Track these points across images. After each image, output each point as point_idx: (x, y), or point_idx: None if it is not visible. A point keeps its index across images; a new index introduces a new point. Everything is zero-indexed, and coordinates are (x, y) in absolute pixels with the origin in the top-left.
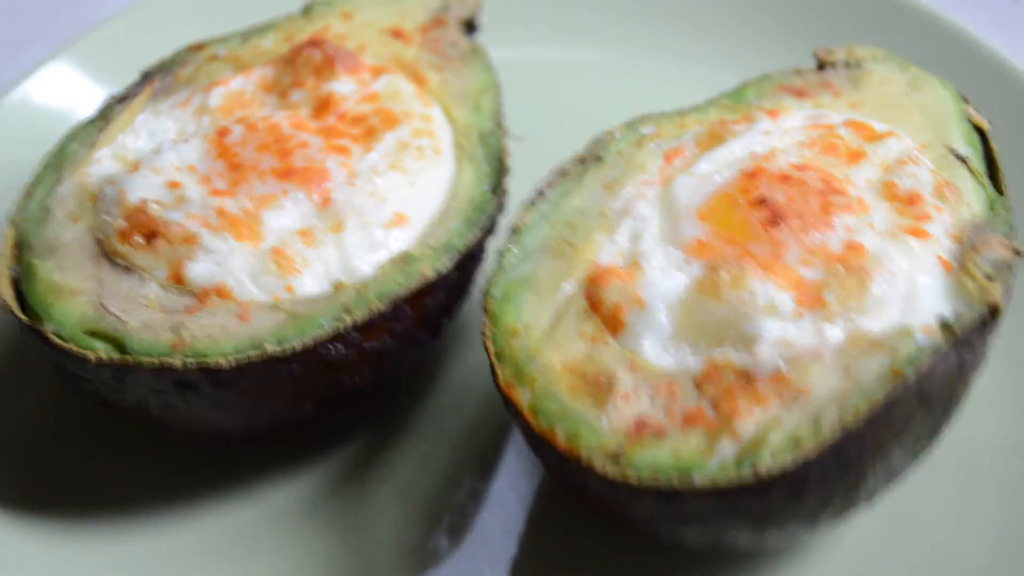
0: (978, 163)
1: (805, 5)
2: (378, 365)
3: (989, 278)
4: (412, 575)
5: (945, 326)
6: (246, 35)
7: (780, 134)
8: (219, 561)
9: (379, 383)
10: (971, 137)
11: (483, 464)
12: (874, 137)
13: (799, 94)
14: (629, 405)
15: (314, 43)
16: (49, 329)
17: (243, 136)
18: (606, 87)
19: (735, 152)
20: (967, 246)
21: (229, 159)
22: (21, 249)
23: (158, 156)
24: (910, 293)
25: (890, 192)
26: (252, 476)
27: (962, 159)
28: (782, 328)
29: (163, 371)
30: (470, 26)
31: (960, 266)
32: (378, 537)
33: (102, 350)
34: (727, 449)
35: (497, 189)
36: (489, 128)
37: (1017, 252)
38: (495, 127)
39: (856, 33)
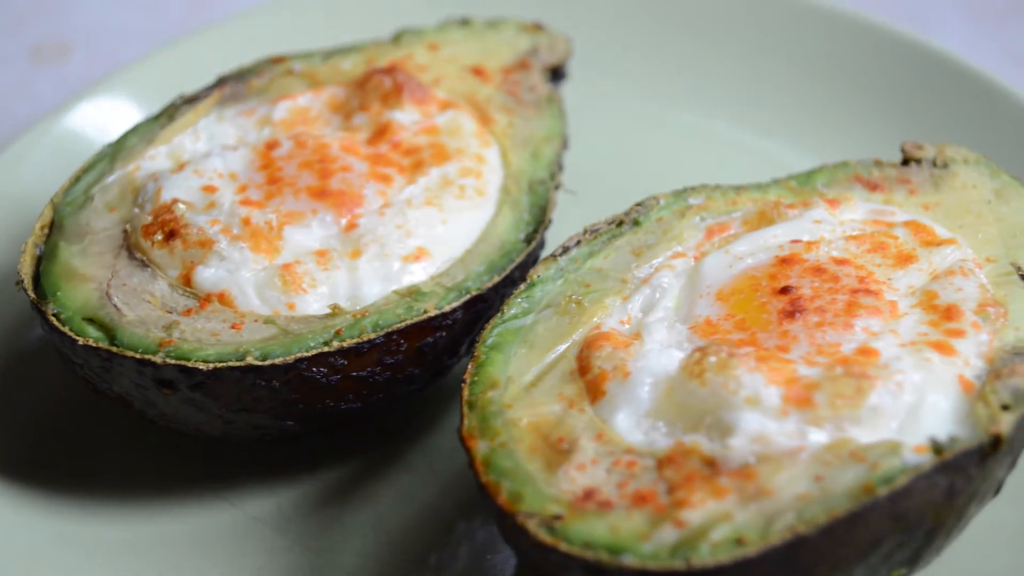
0: None
1: (904, 96)
2: (366, 394)
3: (1005, 407)
4: None
5: (935, 447)
6: (328, 54)
7: (833, 225)
8: (177, 556)
9: (370, 412)
10: None
11: (466, 509)
12: (932, 242)
13: (872, 187)
14: (583, 474)
15: (386, 70)
16: (50, 310)
17: (290, 151)
18: (680, 149)
19: (778, 236)
20: (994, 370)
21: (270, 171)
22: (53, 229)
23: (205, 159)
24: (915, 409)
25: (929, 302)
26: (230, 480)
27: None
28: (761, 423)
29: (144, 365)
30: (556, 73)
31: (979, 389)
32: (343, 564)
33: (93, 337)
34: (667, 535)
35: (532, 239)
36: (541, 177)
37: None
38: (548, 177)
39: (954, 131)
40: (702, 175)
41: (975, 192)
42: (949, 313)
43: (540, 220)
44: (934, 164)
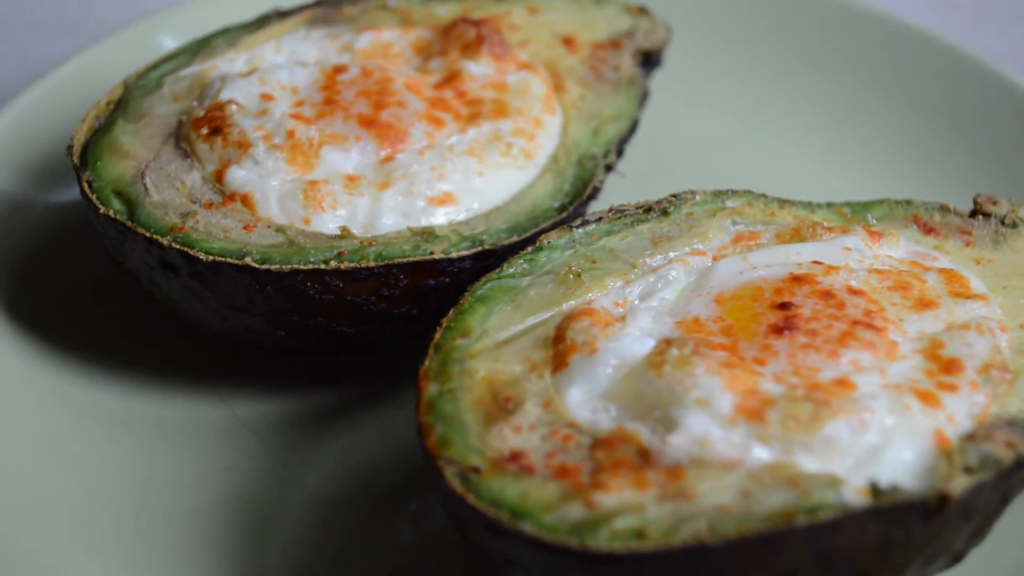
0: None
1: (1005, 142)
2: (359, 321)
3: (968, 469)
4: (316, 530)
5: (874, 491)
6: None
7: (864, 256)
8: (157, 436)
9: (364, 341)
10: None
11: None
12: (961, 294)
13: (928, 230)
14: (516, 436)
15: (473, 21)
16: (86, 177)
17: (354, 78)
18: (757, 161)
19: (801, 254)
20: (971, 432)
21: (330, 93)
22: (118, 106)
23: (274, 70)
24: (876, 451)
25: (933, 350)
26: (227, 379)
27: None
28: (706, 427)
29: (152, 245)
30: (650, 59)
31: (950, 448)
32: (307, 481)
33: (115, 209)
34: (573, 512)
35: (565, 210)
36: (594, 153)
37: (1020, 461)
38: (601, 154)
39: None
40: (763, 187)
41: None
42: (949, 366)
43: (579, 193)
44: (1003, 221)
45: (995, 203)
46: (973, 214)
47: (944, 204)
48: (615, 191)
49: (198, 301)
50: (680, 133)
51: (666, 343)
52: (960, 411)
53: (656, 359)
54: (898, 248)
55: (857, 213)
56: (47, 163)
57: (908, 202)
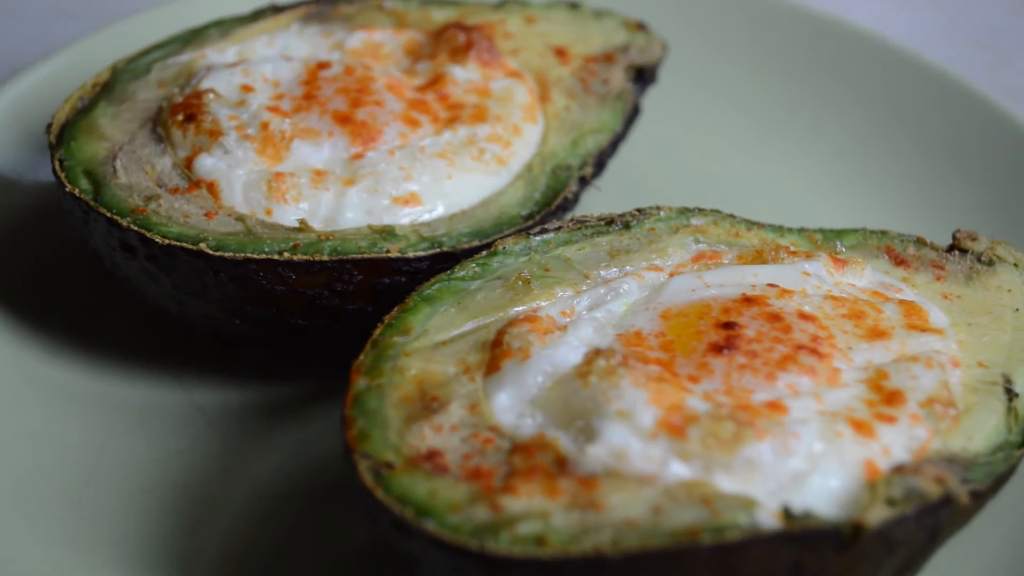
0: None
1: (1006, 182)
2: (311, 314)
3: (890, 502)
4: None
5: (787, 515)
6: (426, 1)
7: (824, 282)
8: (113, 414)
9: (319, 335)
10: None
11: None
12: (916, 327)
13: (899, 262)
14: (436, 435)
15: (464, 26)
16: (58, 155)
17: (336, 75)
18: (742, 184)
19: (758, 276)
20: (900, 464)
21: (310, 88)
22: (103, 89)
23: (259, 63)
24: (801, 476)
25: (877, 381)
26: (189, 365)
27: (1011, 394)
28: (625, 439)
29: (112, 225)
30: (643, 75)
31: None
32: (253, 471)
33: (80, 188)
34: (479, 514)
35: (532, 218)
36: (569, 164)
37: (947, 497)
38: (577, 166)
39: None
40: (751, 211)
41: (1006, 296)
42: (891, 397)
43: (549, 203)
44: (979, 258)
45: (974, 239)
46: (951, 249)
47: (921, 237)
48: (593, 205)
49: (155, 284)
50: (670, 151)
51: (595, 353)
52: (897, 443)
53: (583, 368)
54: (862, 277)
55: (828, 240)
56: (38, 142)
57: (884, 233)
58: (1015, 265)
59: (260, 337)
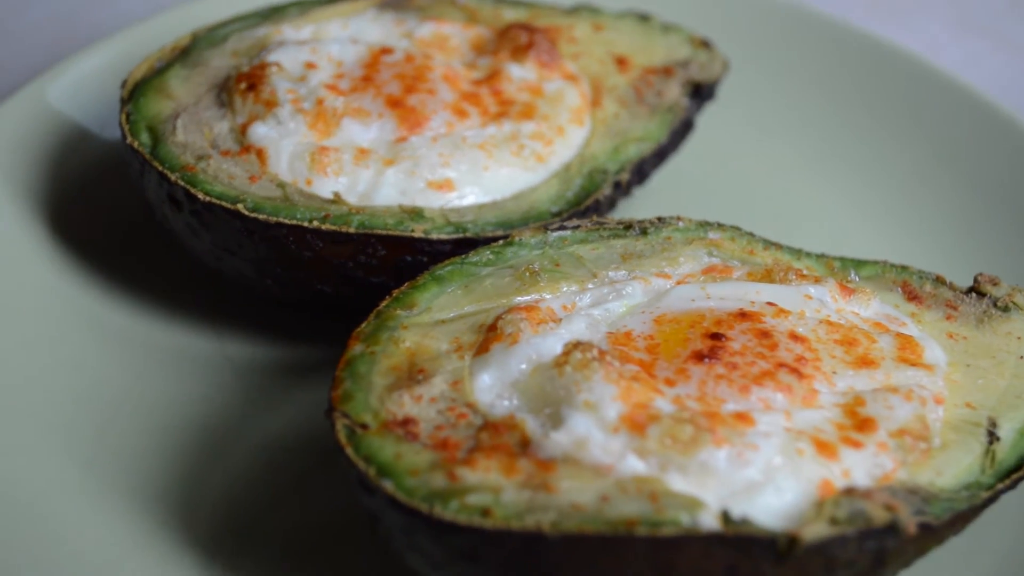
0: (1011, 456)
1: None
2: (336, 283)
3: (832, 520)
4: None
5: (725, 518)
6: (501, 0)
7: (826, 307)
8: (145, 353)
9: (345, 304)
10: None
11: None
12: (907, 360)
13: (912, 297)
14: (414, 405)
15: (527, 27)
16: (126, 109)
17: (396, 61)
18: (787, 208)
19: (760, 294)
20: (851, 487)
21: (369, 71)
22: (181, 54)
23: (328, 43)
24: (754, 487)
25: (852, 407)
26: (227, 318)
27: (993, 437)
28: (588, 429)
29: (163, 179)
30: (701, 91)
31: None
32: (266, 425)
33: (140, 141)
34: (435, 481)
35: (560, 216)
36: (607, 168)
37: (893, 524)
38: (614, 171)
39: None
40: (790, 237)
41: (1014, 343)
42: (862, 424)
43: (579, 203)
44: (995, 303)
45: (995, 284)
46: (970, 291)
47: (940, 276)
48: (631, 213)
49: (197, 238)
50: (720, 168)
51: (573, 345)
52: (859, 468)
53: (561, 359)
54: (868, 308)
55: (844, 268)
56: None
57: (904, 268)
58: None
59: (288, 299)
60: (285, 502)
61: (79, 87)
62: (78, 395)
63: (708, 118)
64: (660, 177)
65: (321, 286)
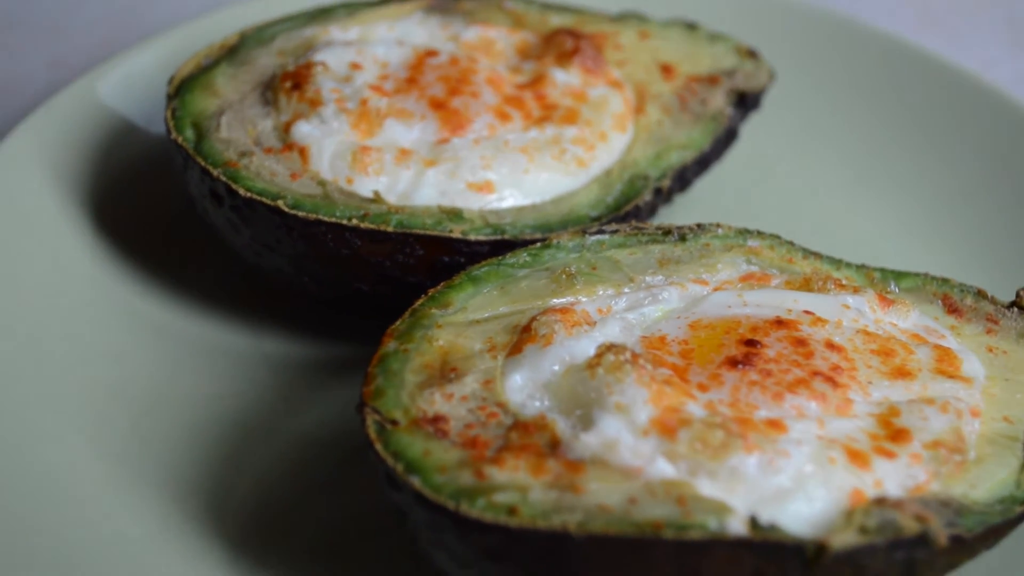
0: None
1: None
2: (373, 281)
3: (862, 529)
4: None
5: (753, 523)
6: (547, 6)
7: (864, 316)
8: (184, 345)
9: (381, 303)
10: None
11: None
12: (945, 372)
13: (952, 310)
14: (446, 403)
15: (574, 33)
16: (172, 105)
17: (440, 64)
18: (832, 221)
19: (798, 302)
20: (882, 497)
21: (414, 73)
22: (228, 52)
23: (373, 45)
24: (785, 493)
25: (887, 417)
26: (266, 316)
27: None
28: (618, 431)
29: (205, 174)
30: (745, 100)
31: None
32: (299, 422)
33: (184, 136)
34: (463, 479)
35: (599, 220)
36: (648, 174)
37: (924, 535)
38: (655, 178)
39: None
40: (826, 244)
41: None
42: (897, 435)
43: (619, 208)
44: None
45: None
46: (1012, 305)
47: (982, 290)
48: (672, 220)
49: (237, 234)
50: (766, 177)
51: (607, 347)
52: (892, 478)
53: (594, 361)
54: (907, 319)
55: (885, 279)
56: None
57: (945, 280)
58: None
59: (326, 297)
60: (315, 499)
61: (129, 83)
62: (113, 387)
63: (753, 127)
64: (702, 185)
65: (359, 284)
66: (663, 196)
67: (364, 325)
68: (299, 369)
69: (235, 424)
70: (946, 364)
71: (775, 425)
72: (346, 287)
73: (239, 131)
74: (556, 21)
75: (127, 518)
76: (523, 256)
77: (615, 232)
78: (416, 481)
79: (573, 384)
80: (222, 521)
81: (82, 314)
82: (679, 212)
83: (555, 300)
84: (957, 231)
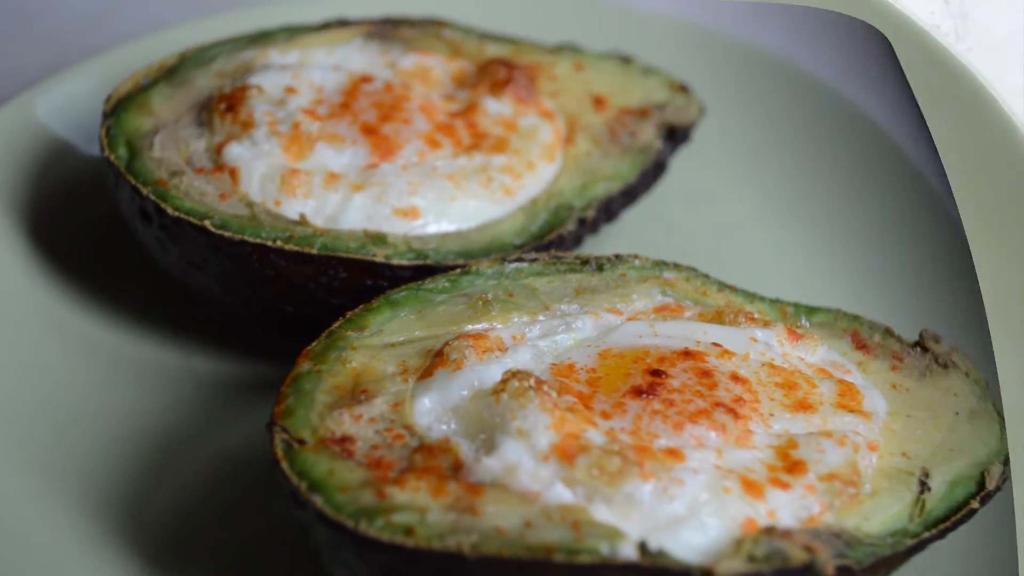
0: (940, 507)
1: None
2: (298, 302)
3: (750, 558)
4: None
5: (642, 549)
6: (485, 36)
7: (771, 350)
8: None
9: (306, 323)
10: (967, 484)
11: None
12: (846, 407)
13: (860, 346)
14: (353, 424)
15: (507, 63)
16: (108, 124)
17: (375, 90)
18: (754, 255)
19: (707, 334)
20: (772, 526)
21: (348, 98)
22: (166, 73)
23: (310, 69)
24: (679, 521)
25: (785, 449)
26: (187, 327)
27: (924, 487)
28: (519, 456)
29: (135, 193)
30: (675, 134)
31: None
32: (222, 439)
33: (116, 155)
34: (364, 499)
35: (522, 248)
36: (573, 204)
37: (810, 565)
38: (580, 208)
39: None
40: (748, 278)
41: (953, 400)
42: (793, 466)
43: (542, 237)
44: (936, 359)
45: (937, 341)
46: (915, 345)
47: (890, 328)
48: (596, 251)
49: (164, 251)
50: (693, 212)
51: (512, 374)
52: (785, 509)
53: (499, 386)
54: (814, 354)
55: (797, 314)
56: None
57: (856, 317)
58: (966, 374)
59: (251, 316)
60: (229, 515)
61: (68, 102)
62: (39, 400)
63: (683, 161)
64: (631, 216)
65: (284, 305)
66: (588, 226)
67: (291, 345)
68: (225, 386)
69: (159, 439)
70: (848, 399)
71: (673, 454)
72: (271, 307)
73: (172, 151)
74: (493, 51)
75: (44, 530)
76: (442, 282)
77: (534, 260)
78: (318, 500)
79: (479, 409)
80: (139, 535)
81: (11, 327)
82: (606, 243)
83: (470, 326)
84: (870, 271)
